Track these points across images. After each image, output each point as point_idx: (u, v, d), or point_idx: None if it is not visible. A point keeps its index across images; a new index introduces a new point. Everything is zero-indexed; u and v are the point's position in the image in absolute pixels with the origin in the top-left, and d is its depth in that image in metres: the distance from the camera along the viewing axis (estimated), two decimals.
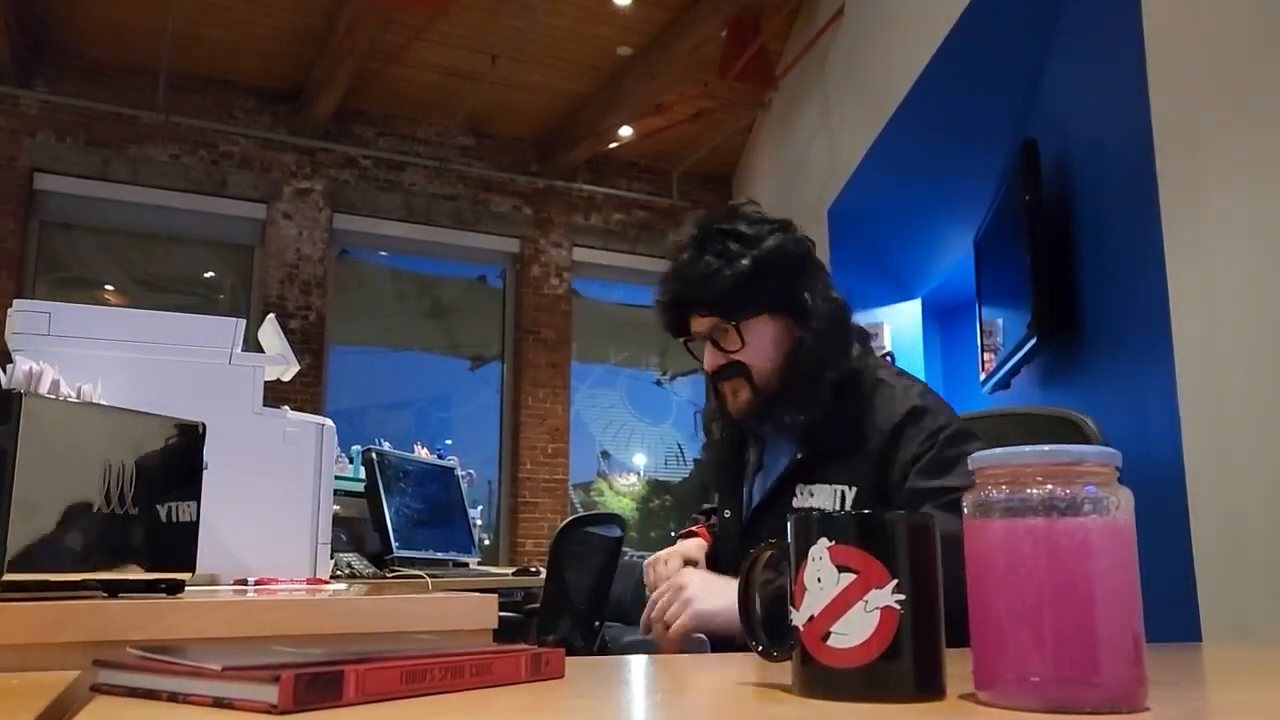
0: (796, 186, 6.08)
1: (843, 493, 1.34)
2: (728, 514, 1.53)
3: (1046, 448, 0.59)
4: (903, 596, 0.59)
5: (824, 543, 0.61)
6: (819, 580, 0.61)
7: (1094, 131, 3.23)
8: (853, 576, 0.60)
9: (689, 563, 1.50)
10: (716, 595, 1.30)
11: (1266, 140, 2.19)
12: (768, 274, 1.40)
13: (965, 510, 0.62)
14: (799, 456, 1.40)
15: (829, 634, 0.60)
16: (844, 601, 0.60)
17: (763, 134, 6.92)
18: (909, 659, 0.59)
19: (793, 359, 1.40)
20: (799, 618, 0.62)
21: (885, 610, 0.59)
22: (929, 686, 0.61)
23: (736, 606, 0.72)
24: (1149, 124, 2.57)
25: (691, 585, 1.33)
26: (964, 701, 0.60)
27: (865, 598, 0.60)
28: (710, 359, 1.43)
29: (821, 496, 1.36)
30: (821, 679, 0.61)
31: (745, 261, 1.38)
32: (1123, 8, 2.75)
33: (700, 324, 1.43)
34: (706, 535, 1.61)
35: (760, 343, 1.41)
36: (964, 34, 3.87)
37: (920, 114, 4.41)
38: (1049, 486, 0.57)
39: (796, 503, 1.39)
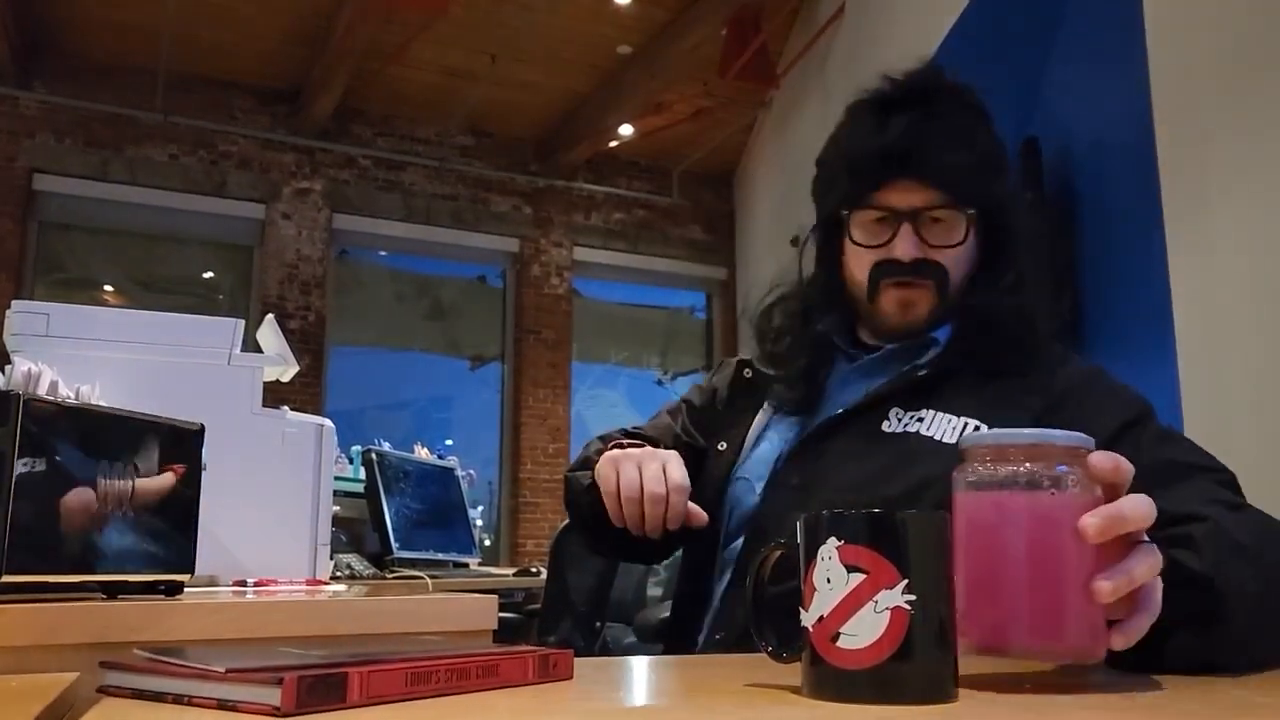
0: (798, 186, 6.07)
1: (975, 428, 1.02)
2: (722, 446, 1.20)
3: (1027, 430, 0.68)
4: (913, 597, 0.59)
5: (833, 542, 0.61)
6: (828, 580, 0.61)
7: (1095, 130, 3.23)
8: (862, 576, 0.60)
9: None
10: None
11: (1268, 139, 2.18)
12: (1002, 166, 1.10)
13: (954, 484, 0.68)
14: (921, 374, 1.07)
15: (838, 635, 0.60)
16: (854, 602, 0.59)
17: (763, 133, 6.92)
18: (920, 660, 0.59)
19: (991, 281, 1.08)
20: (808, 618, 0.61)
21: (895, 611, 0.59)
22: (940, 688, 0.60)
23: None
24: (1150, 123, 2.57)
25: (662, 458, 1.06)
26: (976, 704, 0.59)
27: (875, 598, 0.59)
28: (912, 246, 1.07)
29: (936, 425, 1.04)
30: (831, 680, 0.60)
31: (992, 142, 1.09)
32: (1124, 6, 2.75)
33: (911, 197, 1.06)
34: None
35: (971, 246, 1.09)
36: (964, 33, 3.86)
37: None
38: (1027, 465, 0.65)
39: (889, 428, 1.06)
